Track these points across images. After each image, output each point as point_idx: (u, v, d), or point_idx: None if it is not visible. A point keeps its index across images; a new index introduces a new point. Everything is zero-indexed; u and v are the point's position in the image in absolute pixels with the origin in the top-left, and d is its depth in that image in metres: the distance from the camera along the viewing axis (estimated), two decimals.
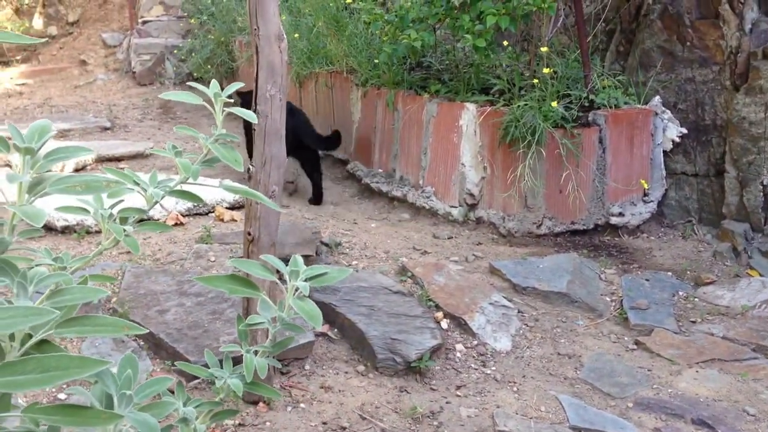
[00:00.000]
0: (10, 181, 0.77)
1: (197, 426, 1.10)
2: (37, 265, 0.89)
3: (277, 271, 1.18)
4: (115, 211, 1.12)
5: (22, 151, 0.79)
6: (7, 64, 8.32)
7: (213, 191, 3.77)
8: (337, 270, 1.22)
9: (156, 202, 1.15)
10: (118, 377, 0.83)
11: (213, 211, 3.97)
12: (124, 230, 1.08)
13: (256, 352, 1.16)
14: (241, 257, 3.25)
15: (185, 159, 1.16)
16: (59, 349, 0.80)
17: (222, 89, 1.23)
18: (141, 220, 1.12)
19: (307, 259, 3.27)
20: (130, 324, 0.78)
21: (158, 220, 3.55)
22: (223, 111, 1.21)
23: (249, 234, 2.17)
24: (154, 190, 1.13)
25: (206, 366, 1.23)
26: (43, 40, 0.83)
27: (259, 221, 2.16)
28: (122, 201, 1.13)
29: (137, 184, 1.12)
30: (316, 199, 4.47)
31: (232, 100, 1.19)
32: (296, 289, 1.18)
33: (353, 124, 4.86)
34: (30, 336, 0.79)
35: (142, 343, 2.55)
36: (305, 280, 1.17)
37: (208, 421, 1.16)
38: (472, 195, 3.93)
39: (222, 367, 1.25)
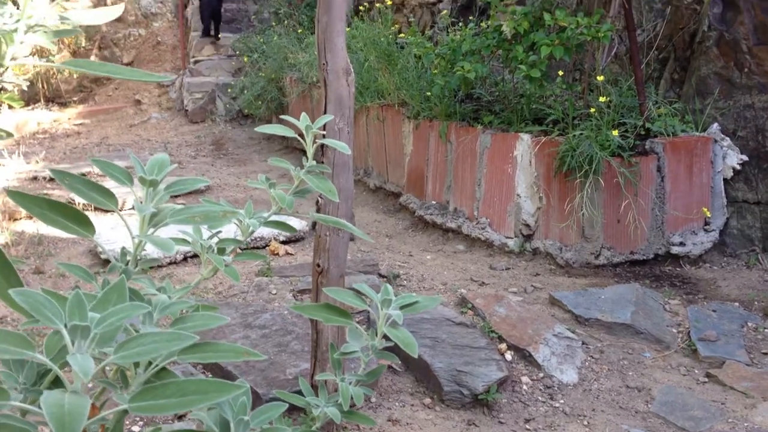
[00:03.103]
0: (139, 212, 0.79)
1: None
2: (153, 294, 0.91)
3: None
4: (212, 241, 1.15)
5: (146, 183, 0.82)
6: (65, 104, 8.60)
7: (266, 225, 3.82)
8: (427, 299, 1.22)
9: (252, 232, 1.18)
10: (234, 404, 0.85)
11: (268, 245, 4.02)
12: (224, 261, 1.11)
13: (350, 381, 1.17)
14: (304, 290, 3.28)
15: (279, 190, 1.19)
16: (175, 375, 0.82)
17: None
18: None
19: None
20: (249, 350, 0.80)
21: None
22: (314, 143, 1.23)
23: (318, 266, 2.19)
24: (250, 221, 1.15)
25: (295, 393, 1.24)
26: (157, 78, 0.86)
27: (328, 253, 2.18)
28: (220, 232, 1.16)
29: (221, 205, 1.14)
30: None
31: (323, 132, 1.21)
32: (388, 318, 1.19)
33: (405, 157, 4.89)
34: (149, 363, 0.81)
35: (210, 375, 2.57)
36: (398, 309, 1.18)
37: None
38: (528, 225, 3.91)
39: (304, 396, 1.26)
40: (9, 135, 0.80)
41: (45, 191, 5.40)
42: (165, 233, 1.14)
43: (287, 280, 3.43)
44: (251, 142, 7.53)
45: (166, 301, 0.82)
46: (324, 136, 2.03)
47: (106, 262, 3.85)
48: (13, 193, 0.81)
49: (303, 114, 1.26)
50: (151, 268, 3.84)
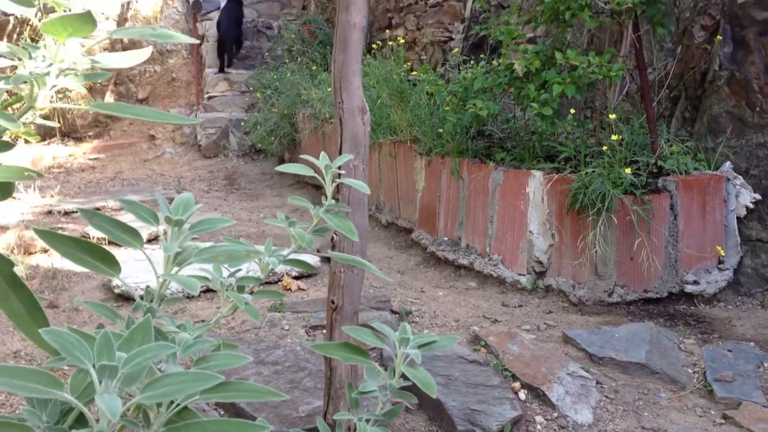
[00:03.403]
0: (165, 251, 0.80)
1: None
2: (175, 333, 0.92)
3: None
4: (228, 277, 1.15)
5: (172, 223, 0.83)
6: (80, 139, 8.70)
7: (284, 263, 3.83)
8: (445, 338, 1.22)
9: (271, 270, 1.18)
10: None
11: (281, 281, 4.03)
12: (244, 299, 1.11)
13: (367, 421, 1.17)
14: (317, 326, 3.28)
15: (299, 229, 1.20)
16: (196, 415, 0.82)
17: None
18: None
19: None
20: (272, 390, 0.80)
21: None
22: (333, 182, 1.25)
23: (332, 302, 2.19)
24: (270, 259, 1.16)
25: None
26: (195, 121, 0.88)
27: (342, 290, 2.18)
28: (240, 270, 1.17)
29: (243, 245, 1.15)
30: None
31: (343, 172, 1.23)
32: (406, 357, 1.19)
33: (417, 193, 4.91)
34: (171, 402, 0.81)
35: (222, 412, 2.56)
36: (416, 348, 1.18)
37: None
38: (540, 263, 3.91)
39: None
40: (39, 175, 0.82)
41: (60, 225, 5.45)
42: (185, 270, 1.15)
43: (300, 315, 3.43)
44: (263, 177, 7.58)
45: (189, 340, 0.83)
46: (339, 176, 2.05)
47: (119, 296, 3.86)
48: (41, 232, 0.83)
49: (322, 153, 1.28)
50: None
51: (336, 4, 2.17)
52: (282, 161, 7.77)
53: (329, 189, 1.24)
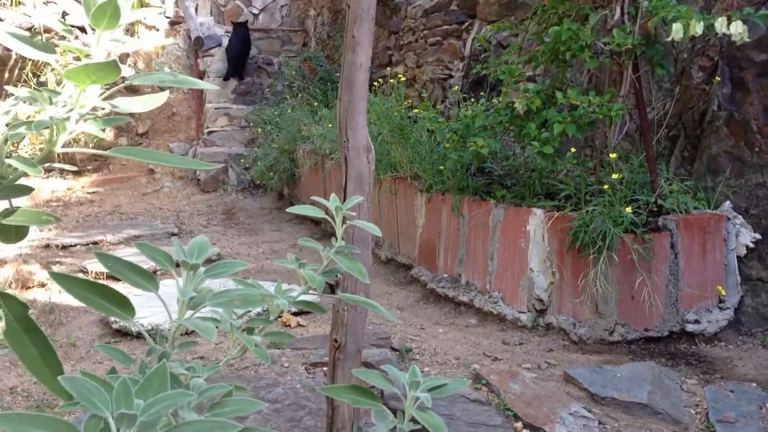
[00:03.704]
0: (181, 296, 0.80)
1: None
2: (183, 374, 0.92)
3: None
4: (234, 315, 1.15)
5: (188, 267, 0.83)
6: (79, 173, 8.72)
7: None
8: (455, 382, 1.22)
9: (281, 312, 1.18)
10: None
11: (280, 317, 4.01)
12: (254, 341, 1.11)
13: None
14: (317, 363, 3.26)
15: (309, 271, 1.20)
16: None
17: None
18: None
19: (381, 363, 3.25)
20: None
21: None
22: (344, 223, 1.25)
23: (335, 341, 2.18)
24: (281, 301, 1.16)
25: None
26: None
27: (345, 328, 2.17)
28: (249, 311, 1.16)
29: (258, 289, 1.15)
30: None
31: (354, 214, 1.23)
32: (416, 400, 1.18)
33: (417, 229, 4.91)
34: None
35: None
36: (426, 391, 1.17)
37: None
38: (541, 300, 3.90)
39: None
40: (57, 220, 0.82)
41: (57, 259, 5.43)
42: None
43: (299, 352, 3.41)
44: (262, 212, 7.59)
45: (203, 385, 0.82)
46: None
47: (117, 332, 3.84)
48: (56, 276, 0.83)
49: (333, 195, 1.28)
50: (163, 338, 3.84)
51: (342, 45, 2.20)
52: (281, 196, 7.79)
53: (339, 231, 1.24)
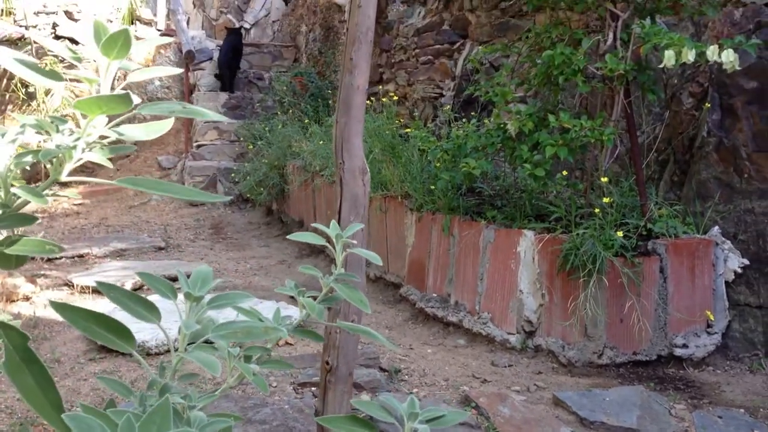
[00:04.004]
0: (185, 329, 0.79)
1: None
2: (179, 403, 0.90)
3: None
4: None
5: (191, 298, 0.82)
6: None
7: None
8: (454, 412, 1.21)
9: (277, 338, 1.17)
10: None
11: None
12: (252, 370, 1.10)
13: None
14: (305, 383, 3.23)
15: (308, 298, 1.19)
16: None
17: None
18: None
19: (370, 384, 3.23)
20: None
21: None
22: (344, 251, 1.24)
23: (327, 363, 2.17)
24: (282, 332, 1.15)
25: None
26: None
27: (337, 350, 2.16)
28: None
29: (261, 321, 1.14)
30: None
31: (355, 242, 1.22)
32: (414, 431, 1.17)
33: (407, 248, 4.91)
34: None
35: None
36: (425, 422, 1.16)
37: None
38: (530, 322, 3.90)
39: None
40: (60, 249, 0.81)
41: (42, 272, 5.38)
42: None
43: (287, 372, 3.38)
44: (250, 227, 7.56)
45: (204, 419, 0.81)
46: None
47: (102, 348, 3.79)
48: (57, 306, 0.81)
49: (333, 222, 1.28)
50: (148, 354, 3.79)
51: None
52: (270, 212, 7.76)
53: (339, 258, 1.23)
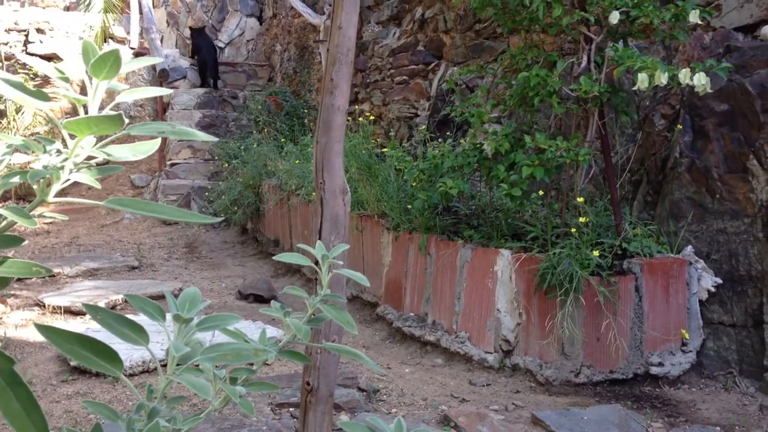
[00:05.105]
0: (174, 351, 0.78)
1: None
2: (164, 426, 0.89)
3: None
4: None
5: (180, 320, 0.81)
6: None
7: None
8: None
9: (264, 360, 1.16)
10: None
11: None
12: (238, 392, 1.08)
13: None
14: (282, 403, 3.20)
15: (295, 319, 1.18)
16: None
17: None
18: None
19: (349, 405, 3.21)
20: None
21: None
22: (330, 272, 1.24)
23: (308, 384, 2.15)
24: (270, 354, 1.14)
25: None
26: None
27: (318, 371, 2.14)
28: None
29: (248, 343, 1.13)
30: None
31: (341, 263, 1.22)
32: None
33: (383, 267, 4.90)
34: None
35: None
36: None
37: None
38: (507, 341, 3.90)
39: None
40: (48, 271, 0.79)
41: (12, 292, 5.28)
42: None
43: (266, 392, 3.35)
44: (225, 246, 7.50)
45: None
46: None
47: (75, 369, 3.72)
48: (42, 328, 0.80)
49: (319, 243, 1.27)
50: (131, 375, 3.71)
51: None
52: (244, 230, 7.72)
53: (325, 279, 1.23)
